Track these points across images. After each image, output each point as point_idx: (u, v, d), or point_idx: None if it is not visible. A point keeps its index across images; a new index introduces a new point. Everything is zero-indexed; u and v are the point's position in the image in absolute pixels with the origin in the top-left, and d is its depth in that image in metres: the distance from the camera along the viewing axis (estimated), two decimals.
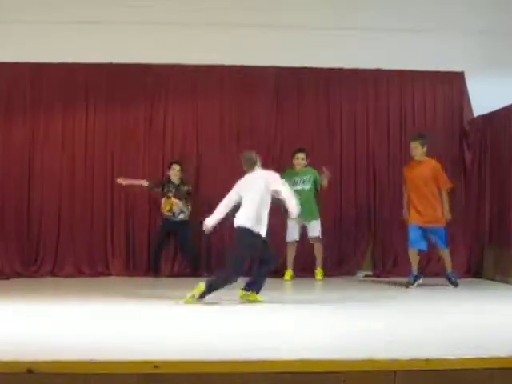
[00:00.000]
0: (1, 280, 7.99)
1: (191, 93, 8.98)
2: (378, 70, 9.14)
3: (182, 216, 8.36)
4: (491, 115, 8.73)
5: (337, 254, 8.95)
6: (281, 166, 8.96)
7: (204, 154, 8.94)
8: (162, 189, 8.40)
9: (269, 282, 6.36)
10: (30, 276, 8.33)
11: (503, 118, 8.41)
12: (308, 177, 8.35)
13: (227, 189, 8.91)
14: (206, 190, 8.74)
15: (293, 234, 8.28)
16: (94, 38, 8.60)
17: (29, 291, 7.02)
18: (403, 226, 8.84)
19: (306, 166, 8.43)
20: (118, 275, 8.55)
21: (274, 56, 8.80)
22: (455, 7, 9.00)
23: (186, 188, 8.43)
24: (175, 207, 8.28)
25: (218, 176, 8.82)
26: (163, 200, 8.35)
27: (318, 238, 8.34)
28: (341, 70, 9.10)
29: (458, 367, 3.54)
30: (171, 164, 8.48)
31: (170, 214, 8.33)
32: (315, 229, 8.32)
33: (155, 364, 3.40)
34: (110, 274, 8.61)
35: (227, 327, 4.91)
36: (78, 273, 8.55)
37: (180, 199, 8.32)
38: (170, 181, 8.42)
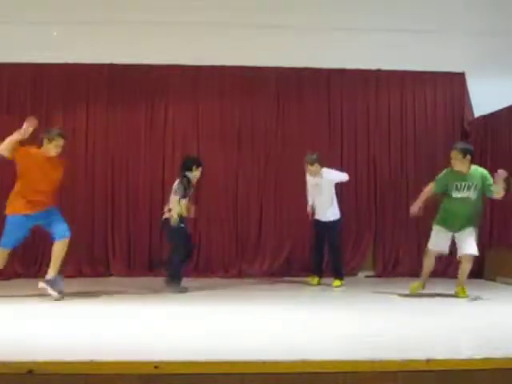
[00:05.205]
0: (1, 281, 7.99)
1: (192, 93, 8.98)
2: (379, 71, 9.15)
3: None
4: (492, 116, 8.72)
5: None
6: (281, 166, 8.99)
7: (205, 155, 8.93)
8: (186, 191, 7.17)
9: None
10: (31, 277, 8.32)
11: (504, 119, 8.42)
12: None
13: (227, 189, 8.97)
14: (207, 191, 8.75)
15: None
16: (94, 38, 8.62)
17: (29, 292, 7.01)
18: (403, 225, 8.87)
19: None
20: (118, 275, 8.56)
21: (274, 56, 8.80)
22: (455, 8, 9.01)
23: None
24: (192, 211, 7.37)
25: (219, 177, 8.83)
26: (187, 203, 7.21)
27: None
28: (341, 70, 9.11)
29: (459, 368, 3.54)
30: (198, 165, 7.26)
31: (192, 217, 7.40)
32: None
33: (155, 364, 3.40)
34: (110, 275, 8.61)
35: (227, 327, 4.90)
36: (79, 273, 8.55)
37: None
38: (190, 182, 7.22)
